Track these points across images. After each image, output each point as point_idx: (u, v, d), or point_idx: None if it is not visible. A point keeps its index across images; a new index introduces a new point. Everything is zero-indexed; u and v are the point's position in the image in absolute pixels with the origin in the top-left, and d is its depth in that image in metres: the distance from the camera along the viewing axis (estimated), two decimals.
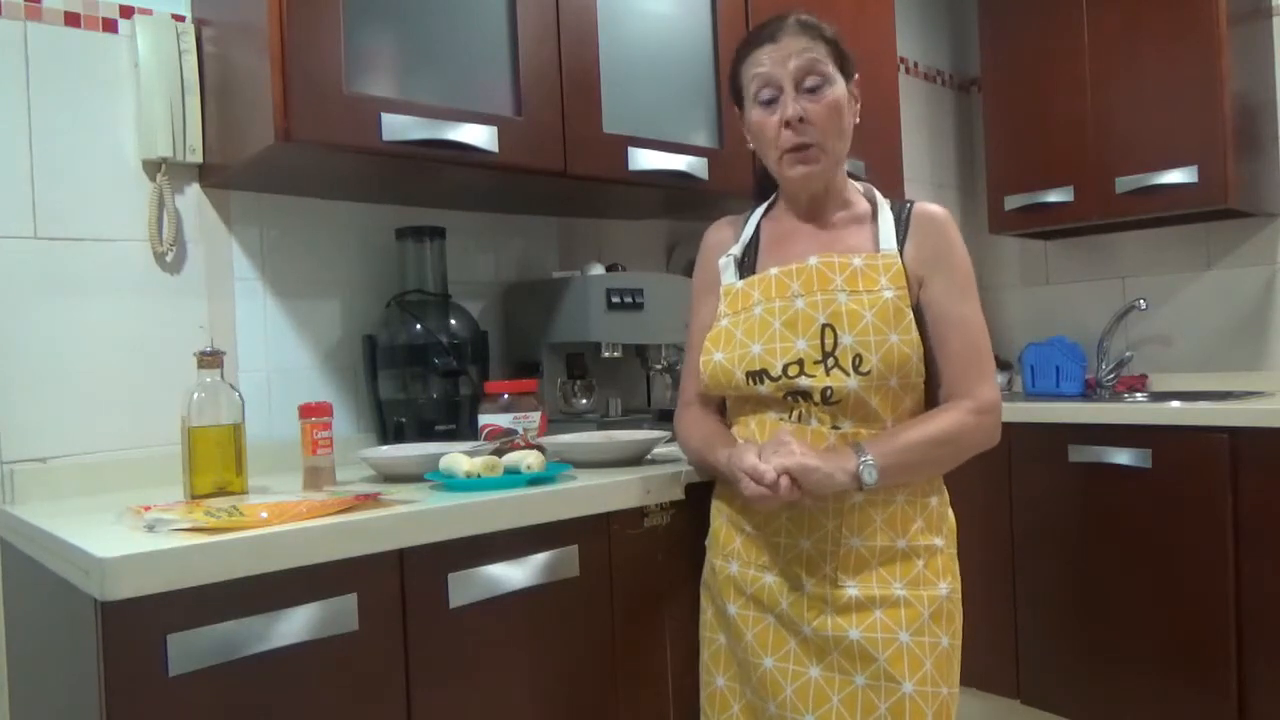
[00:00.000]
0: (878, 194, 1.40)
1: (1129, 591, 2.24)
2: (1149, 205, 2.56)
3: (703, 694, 1.43)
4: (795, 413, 1.30)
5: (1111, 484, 2.27)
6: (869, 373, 1.25)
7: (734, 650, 1.38)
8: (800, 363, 1.28)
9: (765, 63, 1.32)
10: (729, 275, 1.42)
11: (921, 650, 1.25)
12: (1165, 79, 2.50)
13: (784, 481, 1.20)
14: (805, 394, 1.28)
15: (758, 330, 1.32)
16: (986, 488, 2.44)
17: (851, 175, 1.44)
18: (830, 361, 1.26)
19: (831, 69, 1.32)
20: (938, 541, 1.31)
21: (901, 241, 1.33)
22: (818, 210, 1.40)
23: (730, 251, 1.44)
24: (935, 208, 1.37)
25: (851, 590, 1.27)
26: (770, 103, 1.33)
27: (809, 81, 1.30)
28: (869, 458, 1.22)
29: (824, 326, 1.27)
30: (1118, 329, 2.81)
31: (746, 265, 1.43)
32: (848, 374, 1.25)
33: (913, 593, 1.27)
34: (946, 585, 1.29)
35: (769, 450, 1.22)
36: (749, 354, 1.32)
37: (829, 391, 1.27)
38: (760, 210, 1.49)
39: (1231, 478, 2.08)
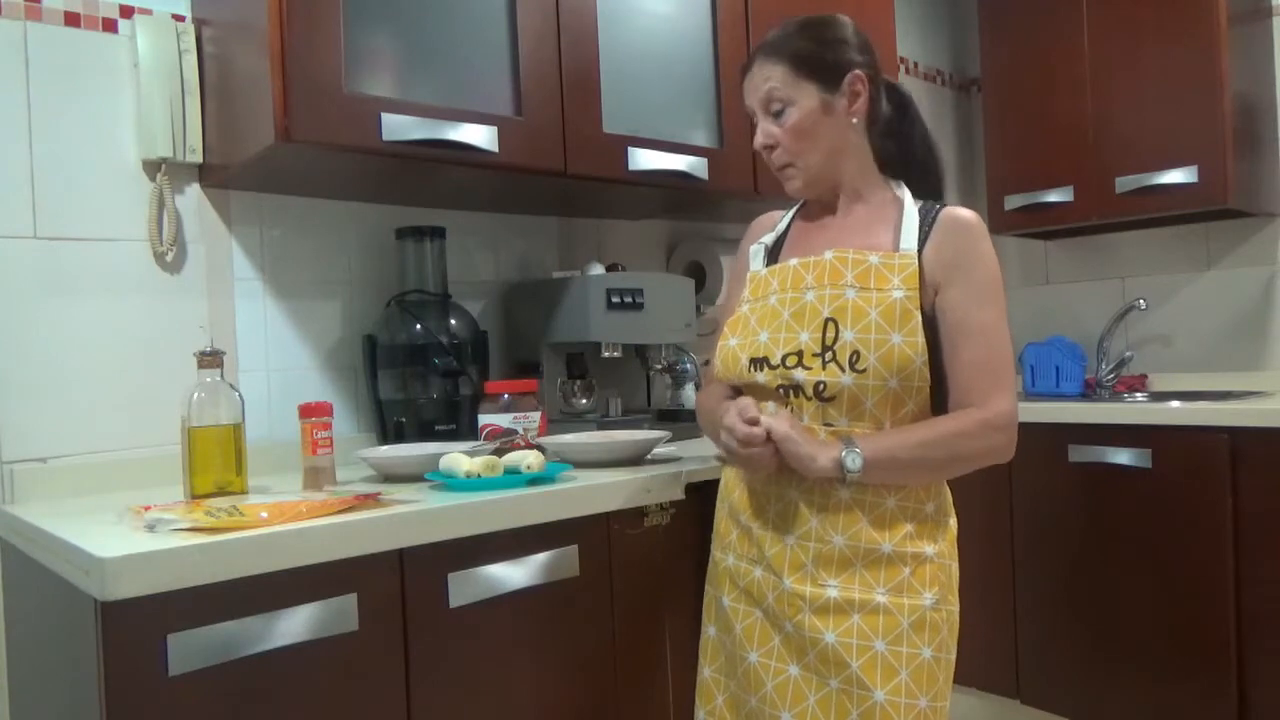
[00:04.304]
0: (908, 194, 1.38)
1: (1129, 591, 2.24)
2: (1149, 205, 2.56)
3: (696, 683, 1.44)
4: (789, 407, 1.30)
5: (1111, 484, 2.27)
6: (865, 371, 1.24)
7: (723, 642, 1.38)
8: (799, 354, 1.27)
9: (746, 93, 1.40)
10: (756, 262, 1.44)
11: (898, 660, 1.23)
12: (1165, 79, 2.50)
13: (759, 432, 1.22)
14: (799, 388, 1.27)
15: (768, 319, 1.33)
16: (986, 488, 2.43)
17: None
18: (828, 356, 1.25)
19: (794, 89, 1.34)
20: (928, 549, 1.27)
21: (923, 243, 1.31)
22: (839, 209, 1.41)
23: (762, 240, 1.47)
24: (965, 212, 1.34)
25: (832, 591, 1.26)
26: (756, 126, 1.41)
27: (773, 108, 1.36)
28: (856, 447, 1.21)
29: (827, 320, 1.27)
30: (1118, 329, 2.81)
31: (774, 255, 1.45)
32: (843, 370, 1.24)
33: (894, 600, 1.24)
34: (932, 596, 1.26)
35: (765, 415, 1.26)
36: (756, 341, 1.32)
37: (822, 386, 1.26)
38: (799, 204, 1.50)
39: (1231, 478, 2.08)
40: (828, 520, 1.27)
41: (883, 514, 1.27)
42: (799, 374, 1.27)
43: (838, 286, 1.29)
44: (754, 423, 1.24)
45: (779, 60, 1.34)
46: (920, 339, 1.24)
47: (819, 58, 1.34)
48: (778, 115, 1.35)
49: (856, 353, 1.24)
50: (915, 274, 1.27)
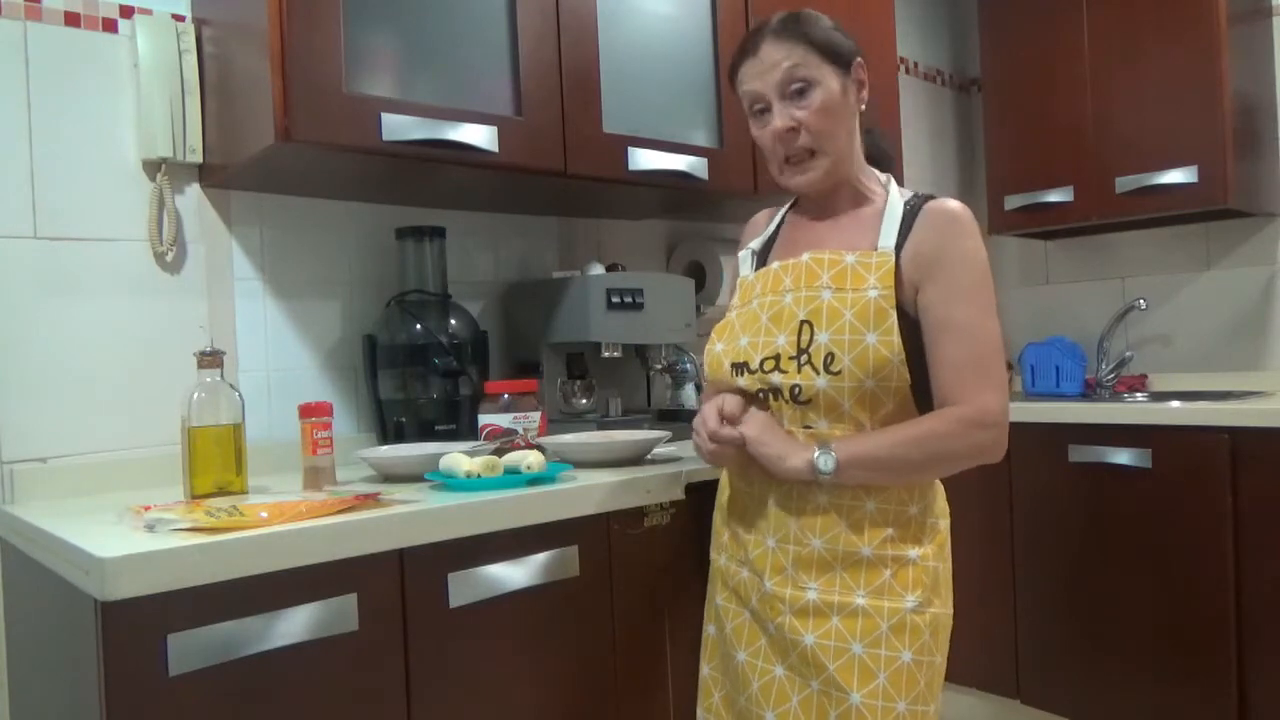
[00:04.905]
0: (894, 187, 1.35)
1: (1129, 591, 2.24)
2: (1149, 205, 2.56)
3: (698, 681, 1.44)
4: (769, 411, 1.29)
5: (1111, 484, 2.27)
6: (839, 372, 1.22)
7: (720, 640, 1.39)
8: (777, 358, 1.26)
9: (751, 79, 1.31)
10: (745, 267, 1.43)
11: (875, 662, 1.21)
12: (1165, 79, 2.50)
13: (733, 434, 1.26)
14: (777, 391, 1.27)
15: (749, 323, 1.32)
16: (986, 488, 2.43)
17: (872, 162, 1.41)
18: (803, 359, 1.24)
19: (816, 69, 1.28)
20: (911, 553, 1.25)
21: (904, 239, 1.27)
22: (830, 207, 1.38)
23: (750, 245, 1.45)
24: (949, 204, 1.29)
25: (812, 594, 1.25)
26: (763, 113, 1.32)
27: (794, 88, 1.28)
28: (830, 448, 1.21)
29: (802, 323, 1.26)
30: (1118, 329, 2.81)
31: (763, 257, 1.43)
32: (818, 372, 1.23)
33: (873, 603, 1.23)
34: (914, 599, 1.24)
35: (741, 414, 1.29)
36: (738, 346, 1.32)
37: (797, 389, 1.24)
38: (789, 204, 1.48)
39: (1231, 478, 2.08)
40: (805, 523, 1.27)
41: (861, 517, 1.25)
42: (776, 378, 1.26)
43: (813, 288, 1.27)
44: (733, 421, 1.27)
45: (796, 40, 1.28)
46: (896, 338, 1.22)
47: (836, 40, 1.31)
48: (799, 96, 1.28)
49: (831, 354, 1.22)
50: (891, 272, 1.24)
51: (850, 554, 1.25)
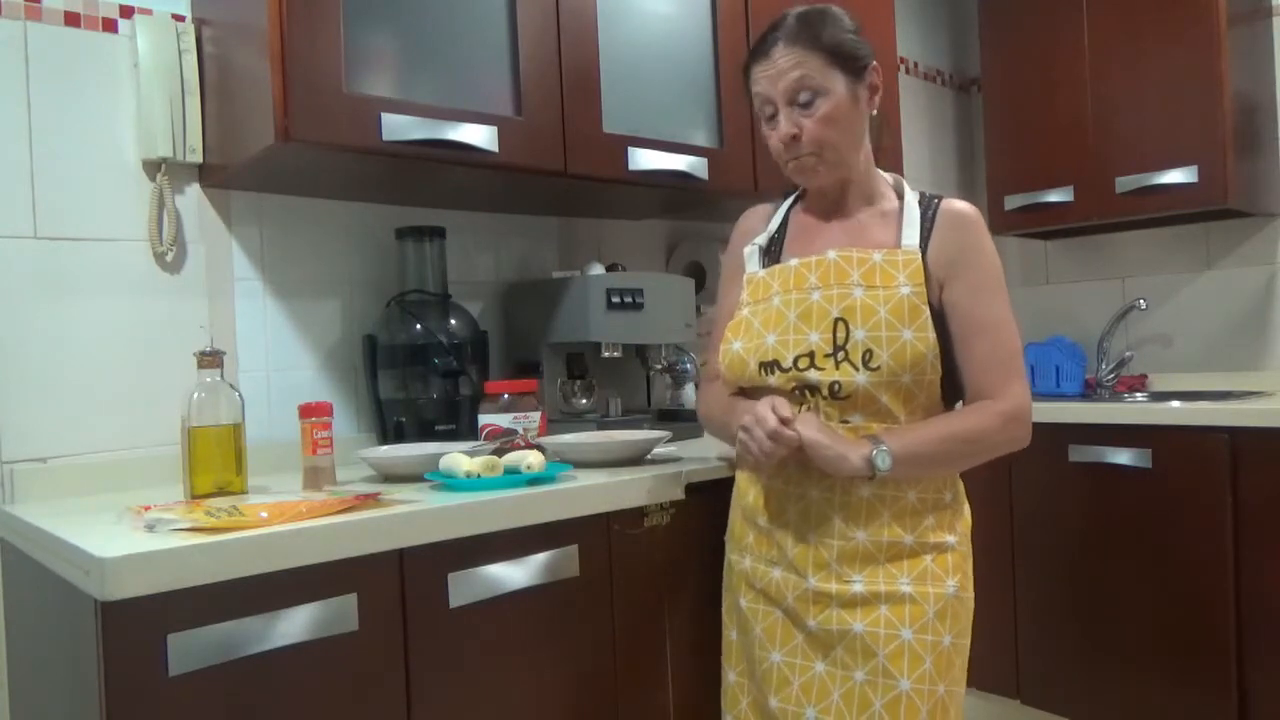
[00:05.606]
0: (906, 187, 1.38)
1: (1129, 591, 2.24)
2: (1149, 205, 2.56)
3: (721, 688, 1.44)
4: (804, 406, 1.30)
5: (1111, 484, 2.27)
6: (879, 368, 1.24)
7: (744, 644, 1.38)
8: (811, 355, 1.28)
9: (761, 81, 1.33)
10: (752, 264, 1.43)
11: (923, 648, 1.24)
12: (1165, 79, 2.50)
13: (793, 435, 1.22)
14: (814, 387, 1.28)
15: (773, 321, 1.33)
16: (986, 487, 2.42)
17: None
18: (840, 355, 1.26)
19: (826, 78, 1.29)
20: (949, 539, 1.30)
21: (926, 239, 1.31)
22: (841, 204, 1.40)
23: (755, 240, 1.45)
24: (963, 205, 1.34)
25: (858, 586, 1.27)
26: (772, 118, 1.34)
27: (801, 97, 1.30)
28: (884, 445, 1.22)
29: (837, 320, 1.27)
30: (1118, 329, 2.81)
31: (772, 254, 1.43)
32: (857, 369, 1.25)
33: (919, 589, 1.26)
34: (954, 583, 1.28)
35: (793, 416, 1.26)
36: (763, 344, 1.32)
37: (837, 386, 1.26)
38: (790, 201, 1.49)
39: (1231, 478, 2.08)
40: (850, 518, 1.29)
41: (904, 508, 1.28)
42: (812, 375, 1.27)
43: (844, 285, 1.29)
44: (786, 423, 1.23)
45: (810, 48, 1.29)
46: (931, 334, 1.25)
47: (849, 47, 1.32)
48: (806, 105, 1.30)
49: (869, 351, 1.25)
50: (920, 269, 1.28)
51: (894, 544, 1.28)
